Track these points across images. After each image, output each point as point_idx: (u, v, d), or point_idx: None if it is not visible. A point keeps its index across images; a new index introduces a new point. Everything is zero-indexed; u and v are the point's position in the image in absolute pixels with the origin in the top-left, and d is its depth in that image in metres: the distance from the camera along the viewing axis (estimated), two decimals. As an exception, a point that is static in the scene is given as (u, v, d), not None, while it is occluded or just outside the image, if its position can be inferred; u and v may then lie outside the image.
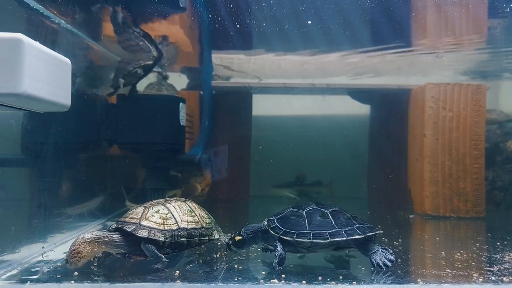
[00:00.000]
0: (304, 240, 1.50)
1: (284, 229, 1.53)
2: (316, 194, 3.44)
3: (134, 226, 1.46)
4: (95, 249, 1.43)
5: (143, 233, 1.45)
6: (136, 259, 1.50)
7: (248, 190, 3.34)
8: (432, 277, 1.46)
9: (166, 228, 1.49)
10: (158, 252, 1.46)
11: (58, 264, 1.57)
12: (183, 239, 1.51)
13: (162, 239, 1.46)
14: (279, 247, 1.52)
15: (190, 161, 2.66)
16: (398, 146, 3.12)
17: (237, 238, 1.60)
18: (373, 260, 1.50)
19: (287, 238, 1.51)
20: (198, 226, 1.57)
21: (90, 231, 1.45)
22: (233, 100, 3.26)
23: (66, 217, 2.06)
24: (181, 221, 1.54)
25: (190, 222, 1.56)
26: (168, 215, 1.53)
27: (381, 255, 1.50)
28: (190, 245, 1.57)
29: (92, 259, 1.49)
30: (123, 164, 2.66)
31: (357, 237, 1.50)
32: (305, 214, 1.57)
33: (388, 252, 1.52)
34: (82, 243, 1.40)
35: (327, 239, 1.49)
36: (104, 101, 2.46)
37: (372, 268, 1.50)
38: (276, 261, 1.50)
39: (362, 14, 2.45)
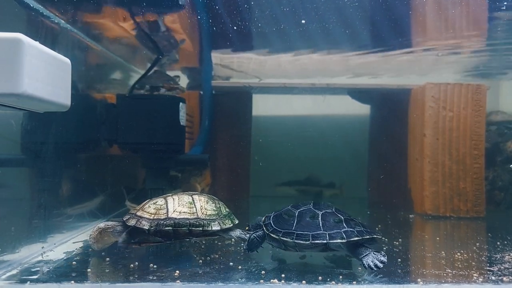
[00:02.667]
0: (288, 239, 1.55)
1: (274, 227, 1.61)
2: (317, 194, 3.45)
3: (129, 216, 1.61)
4: (105, 238, 1.64)
5: (131, 222, 1.58)
6: (132, 246, 1.65)
7: (248, 190, 3.34)
8: (432, 277, 1.46)
9: (155, 217, 1.58)
10: (126, 239, 1.58)
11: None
12: (169, 228, 1.58)
13: (147, 227, 1.56)
14: (260, 232, 1.64)
15: (190, 161, 2.66)
16: (398, 146, 3.12)
17: (246, 229, 1.74)
18: (364, 261, 1.49)
19: (274, 236, 1.58)
20: (191, 217, 1.61)
21: (105, 221, 1.64)
22: (233, 100, 3.26)
23: (66, 217, 2.05)
24: (173, 211, 1.61)
25: (183, 212, 1.61)
26: (163, 206, 1.62)
27: (373, 257, 1.50)
28: (179, 235, 1.61)
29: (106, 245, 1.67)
30: (123, 164, 2.66)
31: (339, 241, 1.51)
32: (296, 214, 1.61)
33: (381, 254, 1.51)
34: (95, 230, 1.62)
35: (308, 240, 1.52)
36: (104, 101, 2.46)
37: (364, 269, 1.50)
38: (246, 242, 1.66)
39: (362, 13, 2.45)
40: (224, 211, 1.72)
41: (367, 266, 1.47)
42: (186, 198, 1.67)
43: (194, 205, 1.65)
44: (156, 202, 1.64)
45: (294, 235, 1.54)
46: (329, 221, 1.56)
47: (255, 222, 1.73)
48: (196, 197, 1.69)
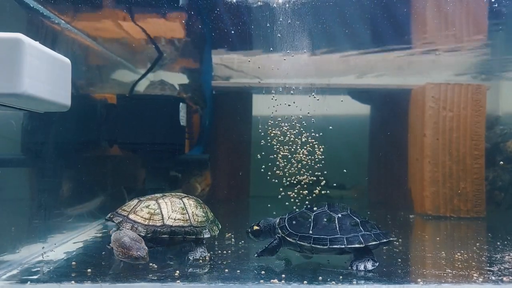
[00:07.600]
0: (305, 243, 1.53)
1: (290, 230, 1.58)
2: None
3: (121, 219, 1.53)
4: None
5: (127, 227, 1.50)
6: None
7: (248, 190, 3.34)
8: (432, 277, 1.46)
9: (150, 223, 1.53)
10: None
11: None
12: (165, 235, 1.54)
13: (143, 234, 1.50)
14: (276, 242, 1.60)
15: (190, 161, 2.66)
16: (398, 146, 3.12)
17: (255, 227, 1.69)
18: (353, 263, 1.51)
19: (290, 239, 1.56)
20: (185, 224, 1.58)
21: (122, 233, 1.48)
22: (233, 100, 3.25)
23: (66, 217, 2.05)
24: (168, 218, 1.57)
25: (178, 219, 1.58)
26: (157, 211, 1.57)
27: (364, 261, 1.51)
28: (174, 242, 1.59)
29: None
30: (123, 164, 2.66)
31: (357, 245, 1.50)
32: (312, 217, 1.58)
33: (372, 264, 1.51)
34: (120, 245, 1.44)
35: (326, 245, 1.51)
36: (105, 101, 2.46)
37: (349, 268, 1.51)
38: (260, 250, 1.61)
39: (362, 13, 2.45)
40: (210, 216, 1.71)
41: (351, 264, 1.51)
42: (178, 202, 1.63)
43: (187, 211, 1.62)
44: (148, 205, 1.58)
45: (312, 239, 1.53)
46: (345, 224, 1.55)
47: (265, 222, 1.68)
48: (185, 201, 1.66)
